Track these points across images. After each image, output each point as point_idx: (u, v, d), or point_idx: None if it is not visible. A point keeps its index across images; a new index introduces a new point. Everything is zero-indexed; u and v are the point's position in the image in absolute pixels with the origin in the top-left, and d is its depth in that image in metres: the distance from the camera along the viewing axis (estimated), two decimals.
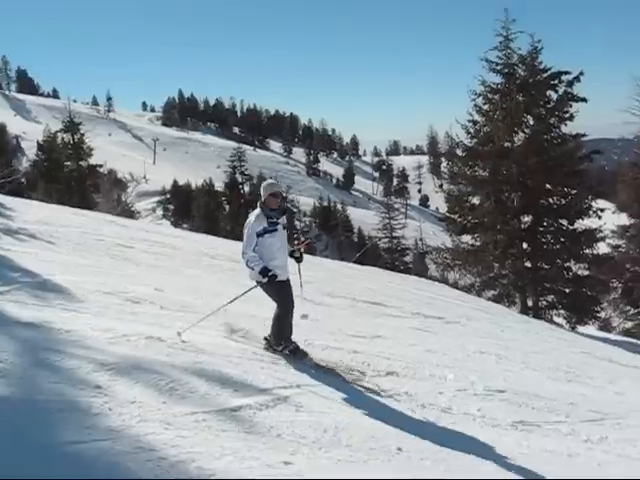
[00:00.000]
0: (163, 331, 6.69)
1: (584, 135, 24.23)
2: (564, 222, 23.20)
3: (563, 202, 23.43)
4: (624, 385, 10.00)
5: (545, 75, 23.57)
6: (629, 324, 28.78)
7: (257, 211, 6.91)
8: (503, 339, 12.03)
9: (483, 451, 5.30)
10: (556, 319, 23.23)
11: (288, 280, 7.02)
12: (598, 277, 24.03)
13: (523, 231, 23.15)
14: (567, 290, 23.36)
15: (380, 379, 6.99)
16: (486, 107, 24.04)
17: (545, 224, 23.35)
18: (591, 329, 24.96)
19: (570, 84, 23.28)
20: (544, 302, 23.31)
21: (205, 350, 6.39)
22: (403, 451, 4.87)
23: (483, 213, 23.29)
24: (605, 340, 18.88)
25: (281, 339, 6.97)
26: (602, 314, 26.67)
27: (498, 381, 7.96)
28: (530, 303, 23.10)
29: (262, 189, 7.02)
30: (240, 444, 4.35)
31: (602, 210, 23.43)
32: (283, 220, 7.05)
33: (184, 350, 6.18)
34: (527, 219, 23.33)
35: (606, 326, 29.53)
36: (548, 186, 23.27)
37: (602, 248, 24.82)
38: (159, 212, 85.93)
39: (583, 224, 23.33)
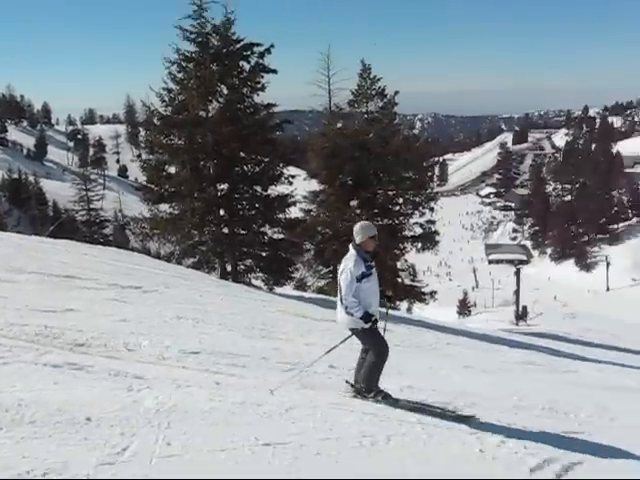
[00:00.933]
0: None
1: (275, 105, 25.18)
2: (258, 189, 24.03)
3: (257, 169, 24.21)
4: (314, 337, 10.79)
5: (238, 46, 24.00)
6: (322, 282, 30.90)
7: (353, 254, 6.41)
8: (201, 303, 12.32)
9: (180, 410, 5.38)
10: (255, 282, 24.17)
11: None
12: (292, 240, 25.33)
13: (220, 198, 23.57)
14: (263, 254, 24.34)
15: (70, 352, 6.77)
16: (180, 75, 23.91)
17: (241, 191, 24.02)
18: (288, 289, 26.42)
19: (261, 55, 23.98)
20: (242, 266, 24.06)
21: None
22: (92, 420, 4.84)
23: (180, 181, 23.25)
24: (300, 298, 20.18)
25: (372, 385, 6.62)
26: (297, 274, 28.34)
27: (193, 343, 8.14)
28: (229, 268, 23.72)
29: (359, 231, 6.49)
30: None
31: (294, 177, 24.66)
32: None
33: None
34: (223, 186, 23.75)
35: (302, 285, 31.46)
36: (242, 154, 23.88)
37: (295, 212, 26.20)
38: None
39: (276, 190, 24.35)
